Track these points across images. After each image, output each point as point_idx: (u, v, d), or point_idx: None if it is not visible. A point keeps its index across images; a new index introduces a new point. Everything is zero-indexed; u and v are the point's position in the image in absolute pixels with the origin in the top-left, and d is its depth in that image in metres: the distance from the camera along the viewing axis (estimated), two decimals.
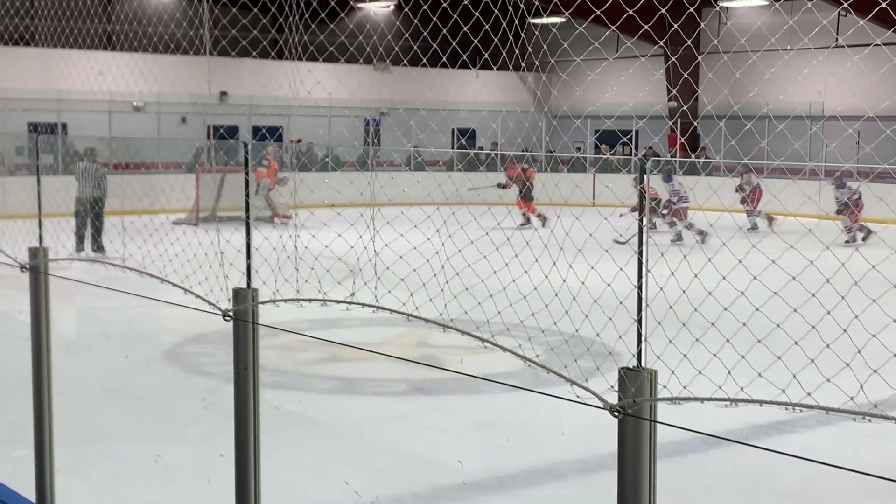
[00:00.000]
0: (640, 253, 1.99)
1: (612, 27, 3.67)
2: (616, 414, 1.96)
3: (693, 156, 23.38)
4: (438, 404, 8.39)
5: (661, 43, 3.01)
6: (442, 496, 6.10)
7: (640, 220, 2.02)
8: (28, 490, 4.05)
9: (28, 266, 3.64)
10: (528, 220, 20.73)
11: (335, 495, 5.98)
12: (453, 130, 29.52)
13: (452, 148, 29.24)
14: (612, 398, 2.00)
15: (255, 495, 2.82)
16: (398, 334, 10.45)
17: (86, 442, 6.71)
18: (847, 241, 18.17)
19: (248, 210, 3.28)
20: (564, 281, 2.29)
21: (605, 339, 2.08)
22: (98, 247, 14.67)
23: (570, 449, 7.04)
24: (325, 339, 2.68)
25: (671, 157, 22.93)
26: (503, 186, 21.47)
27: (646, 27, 2.54)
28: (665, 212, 18.57)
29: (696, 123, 25.12)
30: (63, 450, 5.03)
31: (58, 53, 21.86)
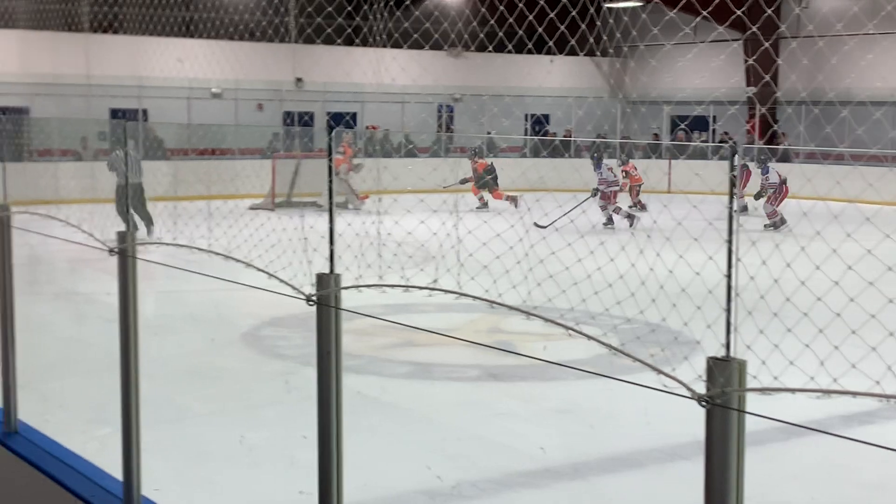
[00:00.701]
0: (730, 241, 1.96)
1: (702, 13, 3.61)
2: (704, 404, 1.94)
3: (785, 143, 23.05)
4: (513, 391, 8.38)
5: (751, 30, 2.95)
6: (517, 482, 6.11)
7: (730, 208, 1.99)
8: (114, 468, 4.14)
9: (116, 249, 3.71)
10: (485, 204, 21.56)
11: (414, 479, 6.01)
12: (526, 116, 29.41)
13: (526, 134, 29.12)
14: (700, 388, 1.97)
15: (338, 478, 2.84)
16: (471, 320, 10.46)
17: (168, 422, 6.83)
18: (766, 226, 18.30)
19: (331, 196, 3.30)
20: (651, 269, 2.27)
21: (693, 328, 2.05)
22: (150, 231, 15.03)
23: (646, 437, 7.00)
24: (407, 325, 2.69)
25: (749, 143, 22.55)
26: (466, 181, 22.17)
27: (740, 12, 2.49)
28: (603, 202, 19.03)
29: (763, 110, 24.68)
30: (147, 429, 5.13)
31: (140, 41, 22.29)
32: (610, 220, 18.57)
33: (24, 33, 23.26)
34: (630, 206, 20.66)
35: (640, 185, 21.96)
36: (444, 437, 7.06)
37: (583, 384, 8.51)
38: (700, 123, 29.12)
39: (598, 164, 19.39)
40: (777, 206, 18.64)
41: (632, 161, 22.43)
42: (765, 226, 18.17)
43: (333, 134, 3.31)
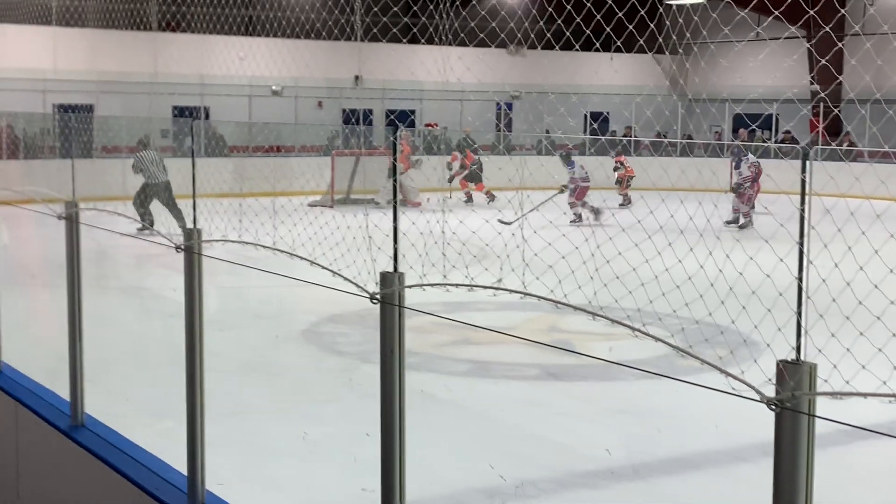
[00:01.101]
0: (801, 243, 1.94)
1: (774, 13, 3.57)
2: (774, 408, 1.92)
3: (834, 143, 22.67)
4: (572, 390, 8.35)
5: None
6: (577, 483, 6.09)
7: (802, 211, 1.96)
8: (177, 462, 4.19)
9: (182, 246, 3.76)
10: (470, 197, 22.11)
11: (475, 478, 6.02)
12: (586, 115, 29.27)
13: (585, 132, 28.99)
14: (769, 391, 1.95)
15: (401, 475, 2.85)
16: (529, 319, 10.44)
17: (230, 417, 6.90)
18: (728, 222, 17.82)
19: (395, 195, 3.31)
20: (721, 271, 2.25)
21: (763, 331, 2.03)
22: (184, 225, 15.26)
23: (708, 439, 6.94)
24: (472, 325, 2.69)
25: (811, 142, 22.24)
26: (451, 178, 22.50)
27: (812, 12, 2.46)
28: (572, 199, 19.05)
29: (836, 109, 24.32)
30: (210, 424, 5.19)
31: (203, 39, 22.55)
32: (579, 217, 18.71)
33: (92, 32, 23.65)
34: (622, 198, 21.24)
35: (631, 178, 22.10)
36: (503, 436, 7.05)
37: (643, 384, 8.45)
38: (763, 122, 28.75)
39: (568, 162, 19.45)
40: (747, 202, 18.27)
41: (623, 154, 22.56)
42: (725, 222, 17.53)
43: (399, 133, 3.33)
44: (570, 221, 18.01)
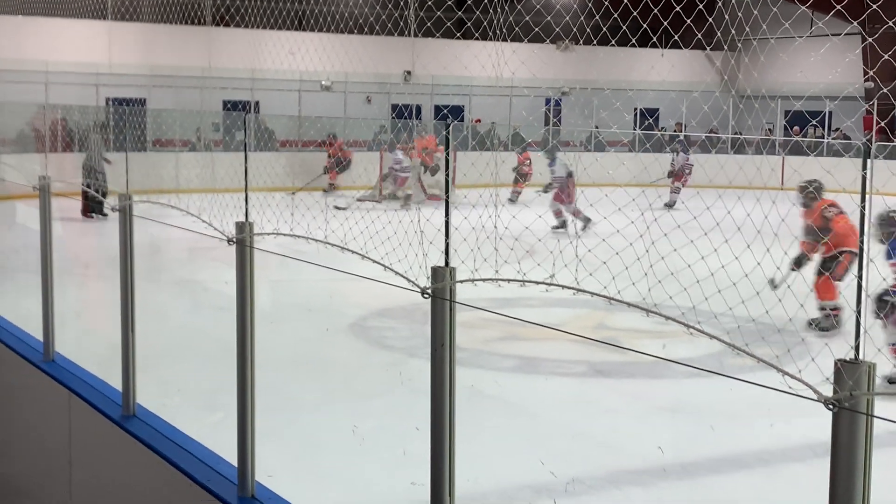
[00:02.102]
0: (863, 243, 1.91)
1: (836, 7, 3.52)
2: (831, 407, 1.89)
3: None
4: (620, 387, 8.31)
5: (856, 23, 2.87)
6: (625, 480, 6.06)
7: (862, 208, 1.94)
8: (228, 453, 4.22)
9: (235, 239, 3.79)
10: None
11: (523, 473, 6.01)
12: (636, 110, 29.10)
13: (635, 128, 28.82)
14: (826, 390, 1.93)
15: (450, 470, 2.85)
16: (578, 316, 10.41)
17: (280, 410, 6.93)
18: (667, 204, 18.71)
19: (447, 190, 3.31)
20: (778, 268, 2.22)
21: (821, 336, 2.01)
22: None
23: (758, 438, 6.88)
24: (526, 321, 2.70)
25: (867, 140, 21.90)
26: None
27: (876, 6, 2.42)
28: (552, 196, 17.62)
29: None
30: (259, 416, 5.21)
31: (254, 34, 22.70)
32: (563, 225, 16.58)
33: (146, 26, 23.91)
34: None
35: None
36: (551, 432, 7.04)
37: (692, 383, 8.39)
38: (817, 121, 28.40)
39: (552, 159, 18.16)
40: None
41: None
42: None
43: (451, 128, 3.33)
44: (553, 228, 15.49)
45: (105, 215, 14.87)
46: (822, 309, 9.58)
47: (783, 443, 6.69)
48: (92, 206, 15.46)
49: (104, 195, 14.22)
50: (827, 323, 9.28)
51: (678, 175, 21.87)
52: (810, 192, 9.53)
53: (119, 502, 4.48)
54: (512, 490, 5.83)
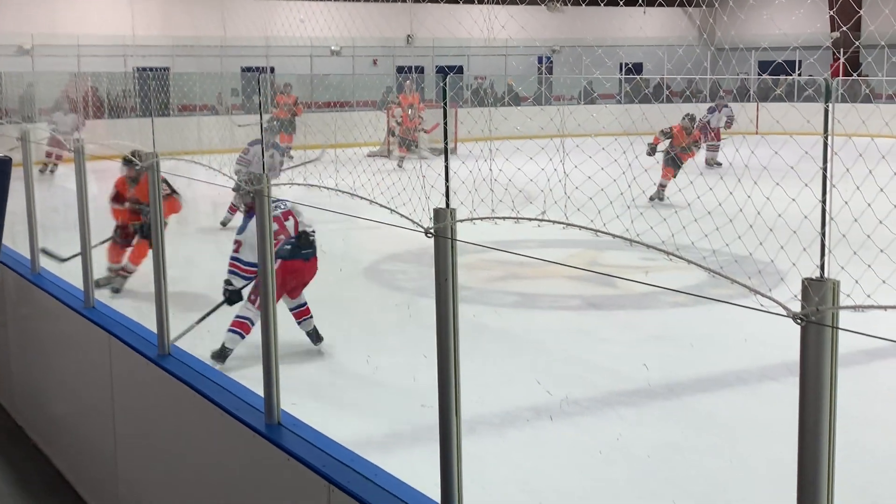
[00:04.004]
0: (825, 168, 1.91)
1: None
2: (800, 322, 1.90)
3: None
4: (612, 318, 8.36)
5: None
6: (617, 401, 6.11)
7: (826, 137, 1.93)
8: (255, 386, 4.25)
9: (252, 191, 3.79)
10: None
11: (524, 396, 6.06)
12: (621, 65, 28.87)
13: (621, 81, 28.60)
14: (796, 308, 1.93)
15: (456, 391, 2.88)
16: (571, 254, 10.42)
17: (301, 345, 6.99)
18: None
19: (445, 136, 3.30)
20: (749, 197, 2.23)
21: (789, 253, 2.01)
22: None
23: (738, 360, 6.92)
24: (521, 255, 2.70)
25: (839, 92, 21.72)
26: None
27: None
28: None
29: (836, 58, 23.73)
30: (282, 351, 5.23)
31: (266, 3, 22.47)
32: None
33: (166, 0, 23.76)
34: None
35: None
36: (550, 359, 7.08)
37: (677, 312, 8.45)
38: (787, 70, 28.16)
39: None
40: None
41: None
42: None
43: (448, 82, 3.31)
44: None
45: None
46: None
47: (761, 363, 6.74)
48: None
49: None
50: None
51: (715, 133, 18.16)
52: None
53: (158, 432, 4.53)
54: (514, 410, 5.88)
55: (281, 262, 6.58)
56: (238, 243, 6.58)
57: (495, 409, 5.81)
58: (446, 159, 3.17)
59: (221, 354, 6.65)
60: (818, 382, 2.00)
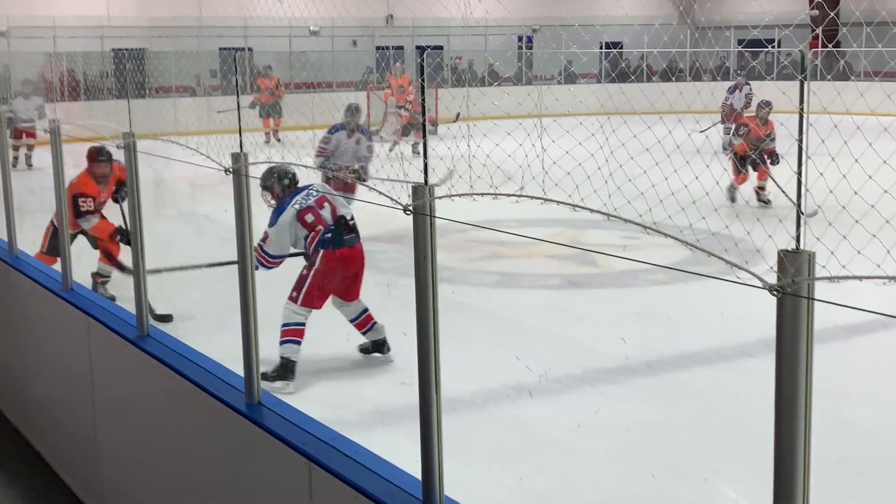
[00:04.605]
0: (800, 140, 1.91)
1: None
2: (775, 293, 1.90)
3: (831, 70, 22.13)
4: (593, 297, 8.38)
5: None
6: (597, 378, 6.14)
7: (801, 109, 1.93)
8: (234, 366, 4.24)
9: (231, 169, 3.76)
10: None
11: (505, 374, 6.08)
12: (601, 44, 28.83)
13: (600, 60, 28.60)
14: (771, 279, 1.94)
15: (436, 369, 2.88)
16: (552, 233, 10.43)
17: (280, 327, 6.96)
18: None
19: (423, 113, 3.29)
20: (725, 170, 2.23)
21: (765, 224, 2.02)
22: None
23: (716, 337, 6.96)
24: (501, 231, 2.70)
25: (814, 64, 21.76)
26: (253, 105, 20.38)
27: None
28: None
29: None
30: (263, 333, 5.21)
31: None
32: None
33: None
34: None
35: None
36: (531, 338, 7.10)
37: (657, 290, 8.48)
38: (766, 47, 28.23)
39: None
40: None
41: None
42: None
43: (425, 60, 3.29)
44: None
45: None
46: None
47: (738, 339, 6.78)
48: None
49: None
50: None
51: (738, 116, 15.37)
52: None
53: (137, 413, 4.52)
54: (495, 388, 5.90)
55: (325, 253, 6.14)
56: (266, 235, 6.20)
57: (476, 387, 5.82)
58: (424, 136, 3.16)
59: (286, 369, 6.06)
60: (794, 354, 2.01)
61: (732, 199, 10.51)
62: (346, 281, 6.31)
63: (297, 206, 6.12)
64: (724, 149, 14.52)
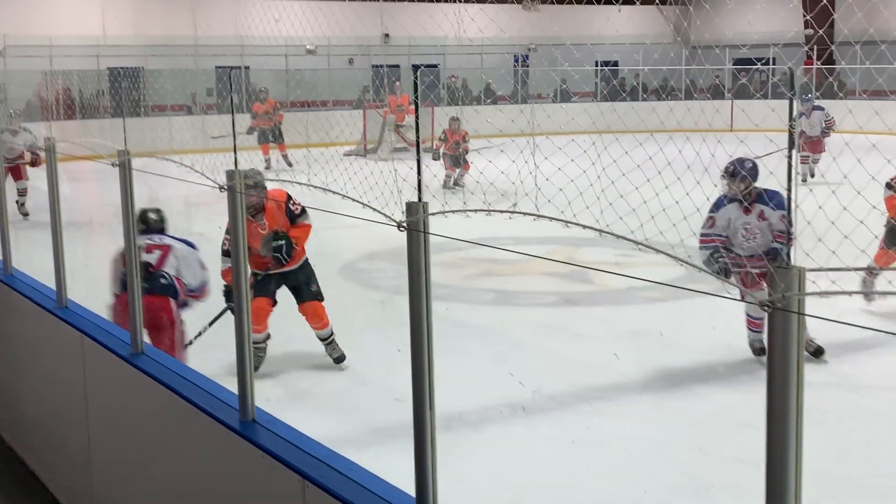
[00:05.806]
0: (790, 157, 1.93)
1: None
2: (766, 308, 1.92)
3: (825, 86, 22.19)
4: (589, 314, 8.38)
5: None
6: (592, 396, 6.13)
7: (791, 127, 1.95)
8: (228, 384, 4.24)
9: (226, 187, 3.77)
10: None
11: (500, 390, 6.08)
12: (597, 62, 28.97)
13: (596, 79, 28.72)
14: (762, 296, 1.95)
15: (430, 385, 2.88)
16: (547, 251, 10.45)
17: (277, 344, 6.97)
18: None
19: (417, 132, 3.31)
20: (716, 185, 2.24)
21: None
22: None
23: (709, 354, 6.97)
24: (498, 248, 2.71)
25: (806, 82, 21.87)
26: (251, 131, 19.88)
27: None
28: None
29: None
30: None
31: (241, 2, 22.39)
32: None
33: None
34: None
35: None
36: (525, 355, 7.10)
37: (650, 307, 8.49)
38: (760, 63, 28.37)
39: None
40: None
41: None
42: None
43: (419, 76, 3.31)
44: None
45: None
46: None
47: (732, 356, 6.78)
48: None
49: None
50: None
51: (815, 143, 12.50)
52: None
53: (131, 431, 4.51)
54: (490, 405, 5.89)
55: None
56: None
57: (471, 404, 5.82)
58: (418, 153, 3.18)
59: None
60: (785, 368, 2.02)
61: None
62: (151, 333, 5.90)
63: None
64: (804, 180, 12.17)
